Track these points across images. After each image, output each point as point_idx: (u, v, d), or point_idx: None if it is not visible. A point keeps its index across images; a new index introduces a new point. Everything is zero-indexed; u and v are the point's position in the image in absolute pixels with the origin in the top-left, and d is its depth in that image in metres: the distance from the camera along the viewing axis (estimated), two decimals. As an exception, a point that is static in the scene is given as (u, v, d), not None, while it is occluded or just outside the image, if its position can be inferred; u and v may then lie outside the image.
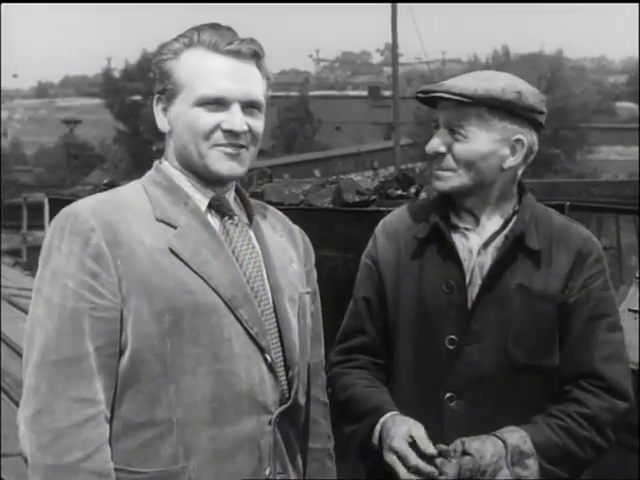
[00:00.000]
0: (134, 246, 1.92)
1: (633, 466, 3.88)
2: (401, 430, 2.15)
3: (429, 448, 2.10)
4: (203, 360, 1.93)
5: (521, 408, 2.22)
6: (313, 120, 44.99)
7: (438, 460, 2.09)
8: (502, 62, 32.00)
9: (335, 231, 5.49)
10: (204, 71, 1.99)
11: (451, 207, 2.35)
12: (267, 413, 2.00)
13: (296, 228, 2.30)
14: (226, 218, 2.08)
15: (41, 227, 12.48)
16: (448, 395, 2.24)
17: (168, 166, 2.08)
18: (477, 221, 2.32)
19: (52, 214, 10.06)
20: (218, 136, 1.99)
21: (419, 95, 2.34)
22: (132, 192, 2.04)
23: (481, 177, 2.27)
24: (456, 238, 2.30)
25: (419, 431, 2.13)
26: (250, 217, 2.15)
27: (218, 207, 2.07)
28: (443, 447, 2.11)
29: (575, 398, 2.23)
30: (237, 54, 2.00)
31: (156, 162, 2.11)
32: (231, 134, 1.99)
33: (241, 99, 2.00)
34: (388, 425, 2.19)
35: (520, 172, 2.33)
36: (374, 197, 5.94)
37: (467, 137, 2.25)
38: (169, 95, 2.03)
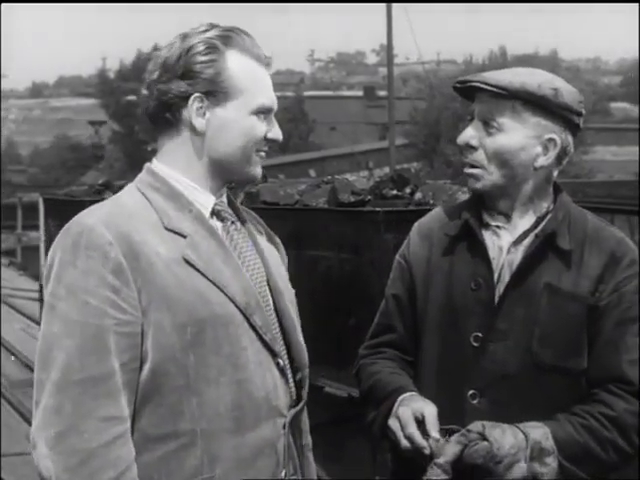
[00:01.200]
0: (151, 258, 1.89)
1: (633, 470, 3.83)
2: (413, 404, 2.18)
3: (433, 431, 2.11)
4: (225, 370, 1.93)
5: (545, 409, 2.20)
6: (308, 120, 44.97)
7: (437, 442, 2.10)
8: (499, 63, 31.99)
9: (330, 231, 5.50)
10: (259, 80, 2.04)
11: (484, 205, 2.35)
12: (281, 417, 2.03)
13: (269, 229, 2.31)
14: (228, 223, 2.08)
15: (36, 227, 12.44)
16: (471, 392, 2.24)
17: (165, 169, 2.03)
18: (509, 219, 2.31)
19: (47, 214, 10.00)
20: (262, 143, 2.05)
21: (457, 85, 2.34)
22: (134, 199, 1.99)
23: (512, 174, 2.26)
24: (487, 236, 2.31)
25: (432, 411, 2.15)
26: (242, 221, 2.15)
27: (219, 212, 2.07)
28: (455, 427, 2.13)
29: (600, 400, 2.20)
30: (268, 66, 2.08)
31: (148, 165, 2.07)
32: (273, 142, 2.07)
33: (275, 110, 2.08)
34: (405, 401, 2.22)
35: (556, 173, 2.32)
36: (369, 197, 5.94)
37: (499, 130, 2.24)
38: (218, 97, 1.98)
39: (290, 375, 2.09)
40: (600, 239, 2.27)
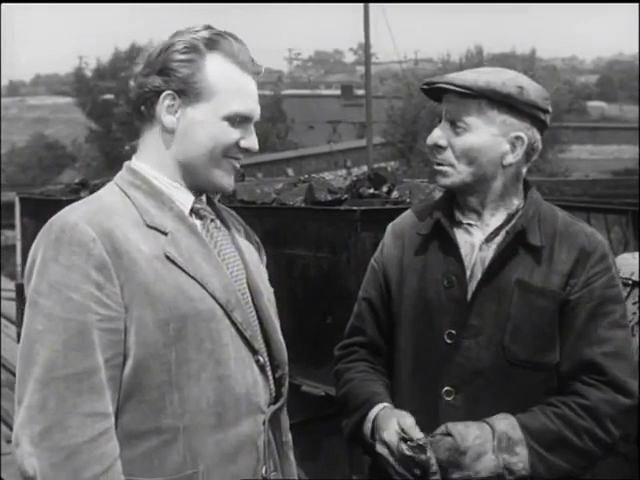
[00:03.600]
0: (133, 254, 1.89)
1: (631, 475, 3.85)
2: (391, 423, 2.21)
3: (417, 434, 2.14)
4: (206, 366, 1.94)
5: (519, 404, 2.22)
6: (286, 119, 44.94)
7: (420, 446, 2.13)
8: (475, 62, 32.07)
9: (307, 230, 5.49)
10: (239, 87, 2.03)
11: (455, 204, 2.37)
12: (261, 413, 2.04)
13: (248, 228, 2.32)
14: (208, 221, 2.09)
15: (12, 226, 12.39)
16: (445, 389, 2.26)
17: (145, 167, 2.04)
18: (480, 217, 2.34)
19: (23, 213, 9.93)
20: (234, 151, 2.04)
21: (424, 87, 2.35)
22: (114, 197, 1.99)
23: (481, 172, 2.28)
24: (459, 234, 2.33)
25: (407, 420, 2.18)
26: (221, 219, 2.16)
27: (198, 210, 2.07)
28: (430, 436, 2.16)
29: (575, 390, 2.22)
30: (256, 75, 2.09)
31: (127, 163, 2.07)
32: (246, 151, 2.06)
33: (256, 119, 2.08)
34: (379, 420, 2.26)
35: (524, 170, 2.34)
36: (346, 196, 5.95)
37: (467, 130, 2.26)
38: (190, 97, 1.99)
39: (270, 373, 2.10)
40: (570, 235, 2.30)
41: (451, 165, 2.30)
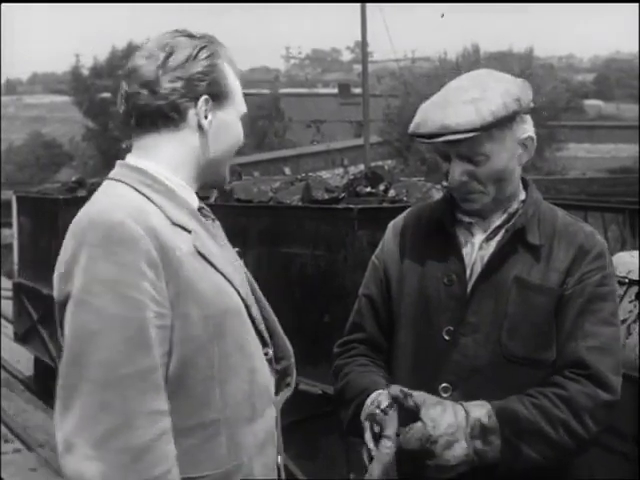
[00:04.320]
0: (175, 251, 1.90)
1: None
2: (371, 398, 2.23)
3: (384, 402, 2.17)
4: (241, 359, 1.98)
5: None
6: (284, 118, 44.90)
7: (385, 415, 2.16)
8: (472, 60, 32.01)
9: (304, 228, 5.50)
10: (240, 89, 2.13)
11: (457, 203, 2.38)
12: (274, 404, 2.10)
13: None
14: (210, 220, 2.12)
15: (9, 225, 12.36)
16: (443, 386, 2.27)
17: (153, 166, 2.02)
18: (481, 216, 2.34)
19: (20, 212, 9.93)
20: None
21: (424, 141, 2.30)
22: (136, 196, 1.97)
23: (507, 184, 2.31)
24: (460, 232, 2.34)
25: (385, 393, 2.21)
26: (213, 219, 2.18)
27: (201, 210, 2.10)
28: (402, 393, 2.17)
29: (555, 382, 2.22)
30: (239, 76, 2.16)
31: (128, 162, 2.05)
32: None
33: None
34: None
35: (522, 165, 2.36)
36: (343, 194, 5.96)
37: (487, 159, 2.25)
38: (220, 100, 2.06)
39: (274, 365, 2.15)
40: (569, 234, 2.31)
41: (481, 192, 2.29)
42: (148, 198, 1.97)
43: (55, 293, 1.90)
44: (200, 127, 2.03)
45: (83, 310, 1.82)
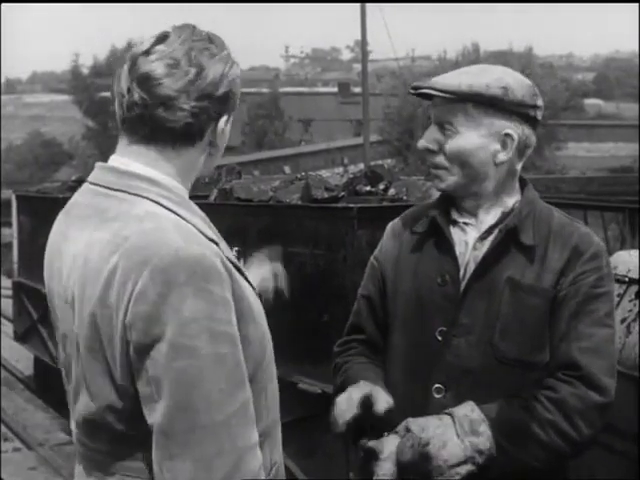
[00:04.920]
0: (234, 272, 1.84)
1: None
2: (355, 393, 2.25)
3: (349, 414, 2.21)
4: (272, 363, 1.99)
5: None
6: (283, 117, 44.90)
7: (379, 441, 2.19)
8: (472, 59, 32.07)
9: (304, 227, 5.49)
10: None
11: (452, 203, 2.38)
12: None
13: None
14: None
15: (9, 224, 12.35)
16: (435, 387, 2.26)
17: (160, 175, 1.88)
18: (475, 216, 2.34)
19: (19, 211, 9.89)
20: None
21: (410, 92, 2.36)
22: (173, 216, 1.83)
23: (474, 173, 2.28)
24: (454, 232, 2.33)
25: (355, 394, 2.23)
26: None
27: None
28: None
29: (546, 385, 2.20)
30: None
31: (140, 172, 1.87)
32: None
33: None
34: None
35: (519, 167, 2.34)
36: (343, 193, 5.96)
37: (455, 133, 2.26)
38: (231, 112, 1.94)
39: None
40: (564, 234, 2.29)
41: (445, 168, 2.30)
42: (180, 216, 1.84)
43: (134, 336, 1.73)
44: (212, 144, 1.93)
45: (182, 355, 1.71)
